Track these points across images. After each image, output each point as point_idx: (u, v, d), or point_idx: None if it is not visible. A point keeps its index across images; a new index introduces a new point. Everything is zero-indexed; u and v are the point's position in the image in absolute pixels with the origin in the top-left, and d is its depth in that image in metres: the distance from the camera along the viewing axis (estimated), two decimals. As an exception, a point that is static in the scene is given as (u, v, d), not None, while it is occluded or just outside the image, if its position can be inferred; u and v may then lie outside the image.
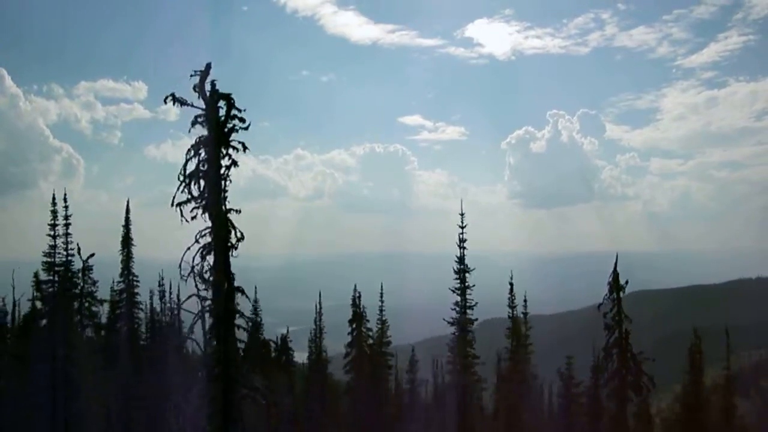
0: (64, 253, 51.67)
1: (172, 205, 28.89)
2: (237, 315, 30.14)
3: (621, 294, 47.88)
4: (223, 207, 29.30)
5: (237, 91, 28.26)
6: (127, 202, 58.21)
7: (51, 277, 51.63)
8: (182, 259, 29.19)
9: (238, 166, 28.98)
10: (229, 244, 29.57)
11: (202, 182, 29.12)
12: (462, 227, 49.58)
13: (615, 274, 47.50)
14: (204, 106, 28.78)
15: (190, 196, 29.12)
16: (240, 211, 29.96)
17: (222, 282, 29.58)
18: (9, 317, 55.12)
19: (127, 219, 57.75)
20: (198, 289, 29.76)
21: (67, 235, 50.75)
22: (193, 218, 28.99)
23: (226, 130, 28.72)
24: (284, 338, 63.77)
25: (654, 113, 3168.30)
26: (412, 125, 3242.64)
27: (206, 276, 29.51)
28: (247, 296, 30.89)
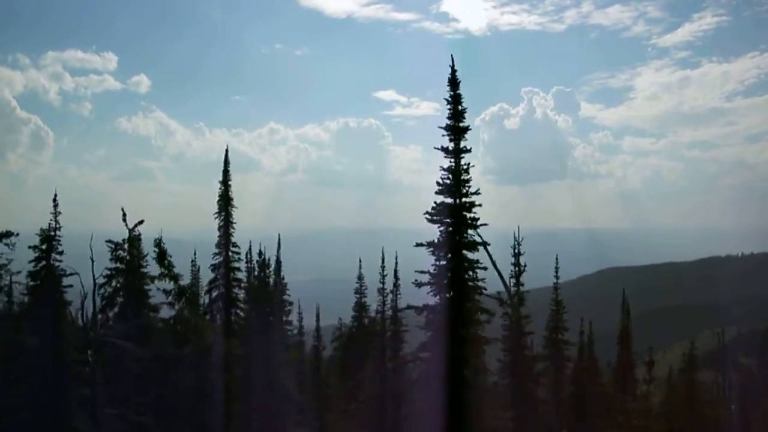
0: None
1: None
2: None
3: None
4: None
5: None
6: (227, 150, 47.47)
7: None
8: None
9: None
10: None
11: None
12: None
13: None
14: None
15: None
16: None
17: None
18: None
19: (225, 172, 46.94)
20: None
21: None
22: None
23: None
24: None
25: (628, 92, 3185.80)
26: (387, 100, 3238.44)
27: None
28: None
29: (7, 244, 35.80)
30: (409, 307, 36.88)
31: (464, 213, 33.06)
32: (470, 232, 33.67)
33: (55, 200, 36.77)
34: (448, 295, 33.19)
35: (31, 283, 36.87)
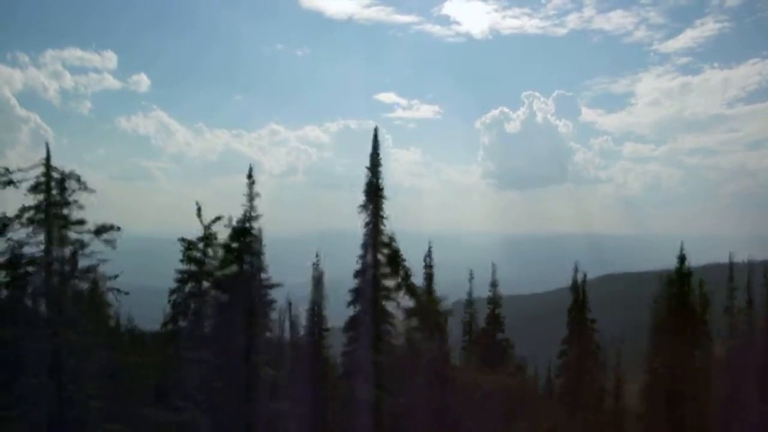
0: None
1: None
2: None
3: None
4: None
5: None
6: (375, 130, 41.04)
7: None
8: None
9: None
10: None
11: None
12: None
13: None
14: None
15: None
16: None
17: None
18: None
19: (374, 156, 40.33)
20: None
21: None
22: None
23: None
24: None
25: (629, 98, 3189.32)
26: (387, 102, 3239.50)
27: None
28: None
29: (107, 241, 28.89)
30: None
31: None
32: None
33: (250, 175, 29.21)
34: None
35: (221, 294, 29.19)
